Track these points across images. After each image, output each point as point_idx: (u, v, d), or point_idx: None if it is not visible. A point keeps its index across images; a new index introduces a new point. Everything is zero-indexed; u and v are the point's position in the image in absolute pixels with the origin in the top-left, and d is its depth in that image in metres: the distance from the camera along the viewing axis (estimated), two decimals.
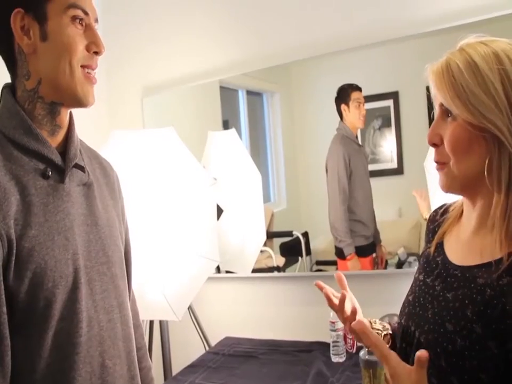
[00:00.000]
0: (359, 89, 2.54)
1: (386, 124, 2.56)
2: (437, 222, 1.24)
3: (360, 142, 2.60)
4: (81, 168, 1.24)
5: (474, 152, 1.00)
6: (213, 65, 2.79)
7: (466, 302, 0.99)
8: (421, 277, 1.18)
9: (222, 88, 2.88)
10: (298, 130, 2.83)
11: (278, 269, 2.81)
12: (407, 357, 1.07)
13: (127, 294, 1.35)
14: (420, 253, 1.28)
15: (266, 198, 2.90)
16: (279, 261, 2.84)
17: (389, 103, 2.55)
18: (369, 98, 2.57)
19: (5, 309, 1.04)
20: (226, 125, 2.91)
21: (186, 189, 2.24)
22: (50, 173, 1.15)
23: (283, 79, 2.84)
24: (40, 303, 1.08)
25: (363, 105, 2.55)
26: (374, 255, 2.57)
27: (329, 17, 2.49)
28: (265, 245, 2.86)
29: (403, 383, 0.94)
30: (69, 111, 1.22)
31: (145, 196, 2.14)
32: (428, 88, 1.09)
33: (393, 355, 0.95)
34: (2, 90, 1.20)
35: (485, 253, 1.01)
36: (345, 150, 2.59)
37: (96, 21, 1.21)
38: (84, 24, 1.17)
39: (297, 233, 2.77)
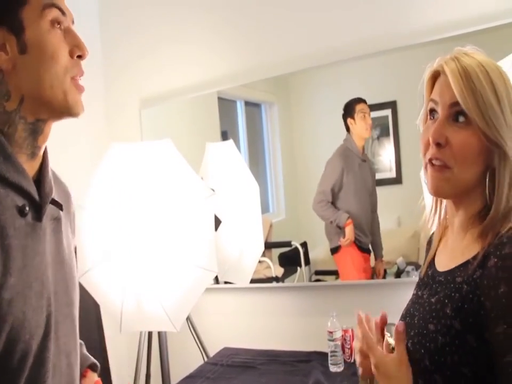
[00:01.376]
0: (363, 101, 2.63)
1: (384, 133, 2.63)
2: (431, 244, 1.29)
3: (367, 156, 2.68)
4: (58, 205, 1.17)
5: (479, 162, 1.04)
6: (211, 77, 2.84)
7: (446, 301, 1.04)
8: (414, 292, 1.24)
9: (220, 99, 2.94)
10: (297, 140, 2.90)
11: (276, 279, 2.87)
12: None
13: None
14: (418, 262, 1.33)
15: (265, 209, 2.96)
16: (278, 271, 2.89)
17: (387, 112, 2.63)
18: None
19: None
20: (225, 136, 2.97)
21: (184, 201, 2.27)
22: (27, 209, 1.05)
23: (282, 89, 2.91)
24: (16, 355, 1.00)
25: (368, 115, 2.63)
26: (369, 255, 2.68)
27: (328, 28, 2.56)
28: (264, 255, 2.91)
29: (386, 367, 1.07)
30: (51, 128, 1.14)
31: (143, 208, 2.19)
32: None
33: (379, 348, 1.11)
34: None
35: (465, 253, 1.06)
36: (341, 164, 2.70)
37: (73, 22, 1.13)
38: (62, 27, 1.09)
39: (296, 244, 2.84)
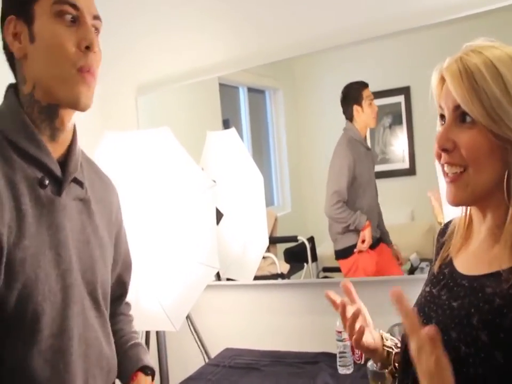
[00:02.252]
0: (368, 85, 2.58)
1: (397, 121, 2.59)
2: (446, 235, 1.27)
3: (369, 144, 2.64)
4: (80, 184, 1.29)
5: (494, 163, 1.01)
6: (211, 62, 2.83)
7: (473, 310, 1.01)
8: (427, 289, 1.21)
9: (221, 85, 2.92)
10: (303, 129, 2.86)
11: (282, 276, 2.86)
12: (410, 367, 1.07)
13: (108, 313, 1.41)
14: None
15: (270, 201, 2.95)
16: (283, 267, 2.88)
17: (400, 99, 2.58)
18: (378, 95, 2.60)
19: None
20: (227, 124, 2.96)
21: (184, 192, 2.28)
22: (47, 182, 1.19)
23: (286, 75, 2.88)
24: (28, 315, 1.12)
25: (373, 102, 2.59)
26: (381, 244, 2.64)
27: (335, 8, 2.52)
28: (268, 250, 2.91)
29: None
30: (70, 113, 1.25)
31: (140, 200, 2.19)
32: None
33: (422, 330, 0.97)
34: (7, 89, 1.25)
35: (493, 262, 1.04)
36: (352, 155, 2.64)
37: (96, 18, 1.25)
38: (75, 20, 1.19)
39: (303, 238, 2.82)
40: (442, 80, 1.09)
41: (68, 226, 1.23)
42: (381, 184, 2.63)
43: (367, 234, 2.59)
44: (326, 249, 2.82)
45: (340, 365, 2.28)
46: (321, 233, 2.80)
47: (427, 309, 1.15)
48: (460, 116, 1.03)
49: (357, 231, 2.60)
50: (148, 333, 2.53)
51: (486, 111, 0.99)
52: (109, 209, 1.44)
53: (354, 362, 2.29)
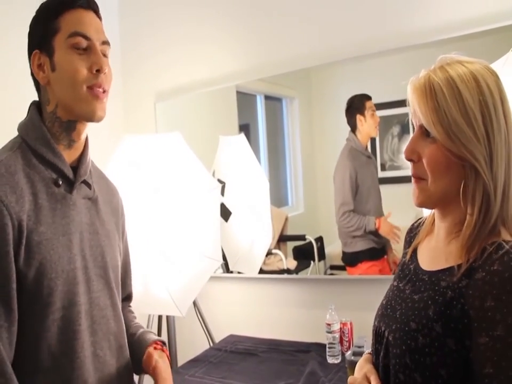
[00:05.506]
0: (370, 98, 2.69)
1: (405, 130, 2.69)
2: (413, 233, 1.37)
3: (370, 153, 2.75)
4: (88, 185, 1.50)
5: (450, 175, 1.09)
6: (227, 71, 2.98)
7: (429, 302, 1.11)
8: (395, 283, 1.30)
9: (239, 93, 3.06)
10: (317, 135, 2.99)
11: (288, 271, 2.99)
12: (378, 356, 1.23)
13: (119, 296, 1.59)
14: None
15: (284, 202, 3.10)
16: (291, 264, 3.00)
17: (407, 109, 2.66)
18: (387, 105, 2.70)
19: (15, 286, 1.25)
20: (245, 130, 3.09)
21: (191, 192, 2.44)
22: (61, 182, 1.39)
23: (303, 84, 3.00)
24: (44, 290, 1.30)
25: (375, 113, 2.70)
26: (385, 256, 2.73)
27: (349, 22, 2.63)
28: (278, 247, 3.04)
29: None
30: (85, 126, 1.44)
31: (151, 198, 2.37)
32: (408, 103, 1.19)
33: None
34: (30, 106, 1.46)
35: (449, 258, 1.13)
36: (352, 165, 2.75)
37: (105, 43, 1.43)
38: (86, 48, 1.38)
39: (310, 238, 2.95)
40: None
41: (78, 218, 1.43)
42: (389, 189, 2.72)
43: (383, 229, 2.67)
44: (334, 248, 2.92)
45: (328, 355, 2.41)
46: (331, 234, 2.90)
47: (393, 302, 1.23)
48: (425, 131, 1.11)
49: (367, 235, 2.71)
50: (160, 318, 2.71)
51: (445, 132, 1.06)
52: (116, 208, 1.64)
53: (342, 353, 2.41)
